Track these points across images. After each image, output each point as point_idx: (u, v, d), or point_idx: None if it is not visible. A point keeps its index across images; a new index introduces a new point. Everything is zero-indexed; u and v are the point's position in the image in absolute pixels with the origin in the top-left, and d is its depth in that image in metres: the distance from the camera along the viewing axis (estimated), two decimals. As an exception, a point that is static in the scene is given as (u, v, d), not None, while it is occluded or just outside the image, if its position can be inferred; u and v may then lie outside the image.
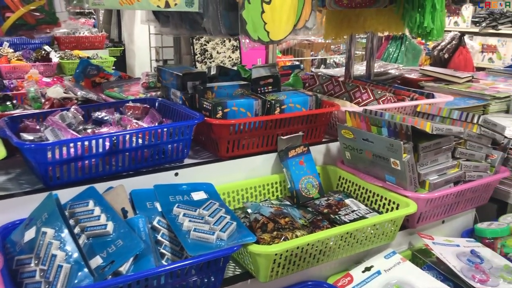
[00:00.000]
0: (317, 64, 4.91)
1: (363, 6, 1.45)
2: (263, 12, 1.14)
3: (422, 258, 1.28)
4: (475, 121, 1.41)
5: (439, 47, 5.63)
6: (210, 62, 4.16)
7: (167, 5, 1.03)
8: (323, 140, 1.49)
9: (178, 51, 4.04)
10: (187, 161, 1.27)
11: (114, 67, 2.88)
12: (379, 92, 1.54)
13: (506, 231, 1.35)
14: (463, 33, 5.57)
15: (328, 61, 5.01)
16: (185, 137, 1.21)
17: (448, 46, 5.59)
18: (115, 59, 3.73)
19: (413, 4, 1.39)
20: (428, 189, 1.28)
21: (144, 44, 4.41)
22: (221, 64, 4.32)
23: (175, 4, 1.04)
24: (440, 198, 1.28)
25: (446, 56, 5.57)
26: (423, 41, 1.52)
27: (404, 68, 2.46)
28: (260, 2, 1.12)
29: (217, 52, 4.17)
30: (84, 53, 3.60)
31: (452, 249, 1.27)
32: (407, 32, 3.75)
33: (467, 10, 7.65)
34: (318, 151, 1.47)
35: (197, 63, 4.11)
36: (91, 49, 3.91)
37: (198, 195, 1.11)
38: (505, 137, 1.49)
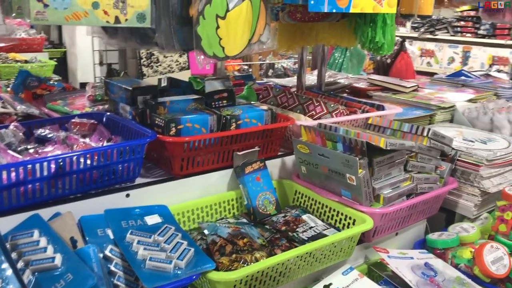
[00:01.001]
0: (265, 69, 4.92)
1: (316, 20, 1.45)
2: (218, 27, 1.10)
3: (378, 272, 1.29)
4: (425, 134, 1.44)
5: (382, 52, 5.82)
6: (157, 66, 4.06)
7: (117, 20, 0.97)
8: (279, 153, 1.48)
9: (123, 55, 3.89)
10: (138, 180, 1.21)
11: (56, 77, 2.71)
12: (332, 105, 1.54)
13: (456, 242, 1.39)
14: (404, 38, 5.78)
15: (276, 66, 5.03)
16: (137, 156, 1.16)
17: (390, 51, 5.78)
18: (56, 63, 3.55)
19: (365, 19, 1.40)
20: (383, 203, 1.30)
21: (87, 47, 4.23)
22: (169, 68, 4.24)
23: (126, 20, 0.98)
24: (395, 212, 1.30)
25: (388, 61, 5.75)
26: (381, 52, 1.55)
27: (352, 77, 2.50)
28: (215, 18, 1.09)
29: (164, 56, 4.07)
30: (21, 56, 3.40)
31: (407, 262, 1.29)
32: (359, 46, 3.83)
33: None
34: (273, 165, 1.46)
35: (143, 67, 4.00)
36: (29, 51, 3.70)
37: (152, 219, 1.06)
38: (453, 148, 1.54)
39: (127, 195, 1.15)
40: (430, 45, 7.82)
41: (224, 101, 1.38)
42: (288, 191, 1.44)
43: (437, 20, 7.54)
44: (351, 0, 1.26)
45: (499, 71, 3.76)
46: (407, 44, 5.99)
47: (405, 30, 7.98)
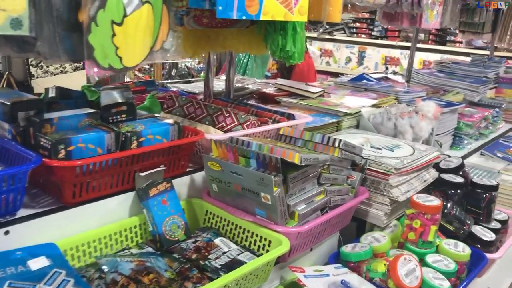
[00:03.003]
0: (168, 68, 4.74)
1: (224, 26, 1.35)
2: (114, 35, 0.96)
3: (296, 294, 1.24)
4: (336, 144, 1.41)
5: (284, 52, 5.89)
6: (47, 66, 3.71)
7: (-16, 26, 0.79)
8: (187, 170, 1.36)
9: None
10: (21, 212, 1.03)
11: None
12: (243, 116, 1.45)
13: (369, 253, 1.37)
14: (305, 40, 5.92)
15: (179, 65, 4.86)
16: (17, 186, 0.97)
17: (292, 51, 5.88)
18: None
19: (275, 26, 1.33)
20: (297, 220, 1.24)
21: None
22: (61, 69, 3.89)
23: (-4, 25, 0.80)
24: (310, 230, 1.25)
25: (291, 61, 5.87)
26: (285, 63, 1.49)
27: (260, 82, 2.44)
28: (110, 24, 0.94)
29: (56, 55, 3.72)
30: None
31: (323, 280, 1.24)
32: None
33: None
34: (182, 184, 1.34)
35: (31, 67, 3.62)
36: None
37: (37, 263, 0.89)
38: (363, 157, 1.53)
39: (6, 233, 0.97)
40: (328, 45, 8.12)
41: (123, 115, 1.23)
42: (199, 211, 1.33)
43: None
44: (261, 7, 1.18)
45: (394, 73, 3.95)
46: (307, 44, 6.16)
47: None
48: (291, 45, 1.34)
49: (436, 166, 1.78)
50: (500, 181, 2.14)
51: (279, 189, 1.16)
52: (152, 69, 4.58)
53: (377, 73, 3.83)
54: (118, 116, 1.21)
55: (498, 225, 1.67)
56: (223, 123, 1.45)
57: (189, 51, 1.55)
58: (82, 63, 3.94)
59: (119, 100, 1.25)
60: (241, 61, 5.02)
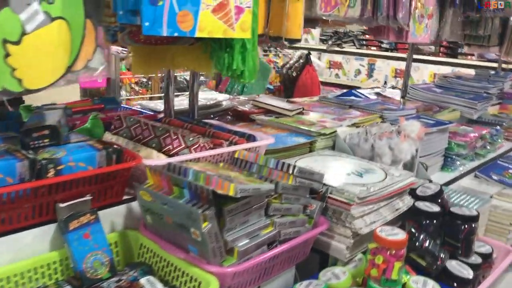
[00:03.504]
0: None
1: (165, 43, 1.25)
2: (7, 55, 0.86)
3: None
4: (290, 171, 1.29)
5: (287, 66, 5.80)
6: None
7: None
8: (124, 198, 1.26)
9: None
10: None
11: None
12: (191, 138, 1.35)
13: (323, 293, 1.24)
14: (309, 51, 5.80)
15: (179, 78, 4.78)
16: None
17: (296, 64, 5.78)
18: None
19: (221, 43, 1.22)
20: (237, 257, 1.12)
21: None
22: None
23: None
24: (252, 267, 1.13)
25: (294, 74, 5.75)
26: (242, 80, 1.38)
27: (237, 99, 2.33)
28: (1, 44, 0.85)
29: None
30: None
31: (265, 325, 1.12)
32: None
33: (316, 29, 8.11)
34: (117, 214, 1.23)
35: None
36: None
37: None
38: (324, 184, 1.40)
39: None
40: (338, 58, 8.02)
41: (46, 140, 1.13)
42: (134, 244, 1.22)
43: (344, 33, 7.73)
44: (196, 22, 1.08)
45: (393, 87, 3.80)
46: (312, 57, 6.05)
47: (313, 43, 8.12)
48: (238, 63, 1.22)
49: (413, 193, 1.64)
50: (492, 207, 1.98)
51: (210, 224, 1.04)
52: (149, 83, 4.52)
53: (373, 88, 3.70)
54: (40, 141, 1.12)
55: (479, 260, 1.51)
56: (170, 146, 1.35)
57: (140, 69, 1.46)
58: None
59: (48, 123, 1.16)
60: (241, 74, 4.92)
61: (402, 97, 3.08)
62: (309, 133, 1.86)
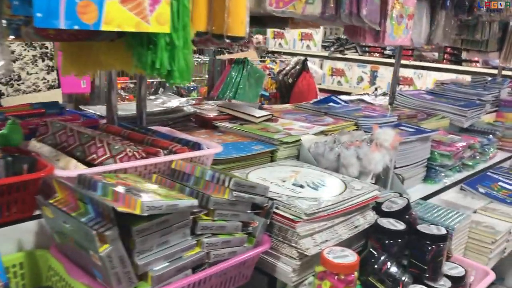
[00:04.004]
0: (156, 86, 4.55)
1: (80, 39, 1.12)
2: None
3: None
4: (226, 184, 1.15)
5: (283, 72, 5.66)
6: (19, 85, 3.57)
7: None
8: (36, 213, 1.12)
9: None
10: None
11: None
12: (116, 147, 1.21)
13: (257, 324, 1.09)
14: (306, 58, 5.66)
15: (167, 84, 4.66)
16: None
17: (292, 71, 5.64)
18: None
19: (141, 39, 1.09)
20: (151, 283, 0.97)
21: None
22: (34, 87, 3.75)
23: None
24: (165, 295, 0.98)
25: (290, 80, 5.61)
26: (172, 82, 1.23)
27: (205, 104, 2.19)
28: None
29: (28, 73, 3.59)
30: None
31: None
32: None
33: (318, 35, 7.99)
34: (26, 231, 1.10)
35: (1, 85, 3.49)
36: None
37: None
38: (270, 198, 1.25)
39: None
40: (340, 64, 7.88)
41: None
42: (43, 266, 1.08)
43: (346, 39, 7.58)
44: (101, 14, 0.94)
45: (385, 94, 3.64)
46: (309, 63, 5.91)
47: (315, 50, 7.99)
48: (163, 61, 1.09)
49: (379, 208, 1.48)
50: (473, 223, 1.82)
51: (111, 247, 0.90)
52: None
53: (362, 94, 3.54)
54: None
55: (448, 284, 1.35)
56: (94, 155, 1.21)
57: (70, 69, 1.33)
58: (57, 81, 3.80)
59: None
60: (233, 80, 4.80)
61: (390, 104, 2.92)
62: (271, 141, 1.71)
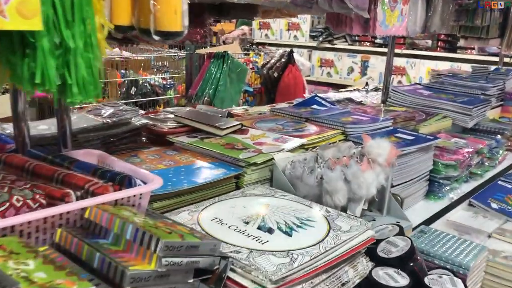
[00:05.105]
0: (127, 87, 4.16)
1: None
2: None
3: None
4: (152, 248, 0.79)
5: (268, 65, 5.29)
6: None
7: None
8: None
9: None
10: None
11: None
12: (1, 194, 0.84)
13: None
14: (291, 50, 5.30)
15: (140, 82, 4.28)
16: None
17: (277, 64, 5.27)
18: None
19: (11, 41, 0.72)
20: None
21: None
22: None
23: None
24: None
25: (275, 74, 5.24)
26: (70, 100, 0.90)
27: (161, 114, 1.82)
28: None
29: None
30: None
31: None
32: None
33: (305, 24, 7.61)
34: None
35: None
36: None
37: None
38: (222, 257, 0.90)
39: None
40: (329, 55, 7.54)
41: None
42: None
43: (336, 28, 7.21)
44: None
45: (376, 89, 3.29)
46: (296, 55, 5.54)
47: (303, 40, 7.63)
48: (46, 72, 0.72)
49: (373, 252, 1.13)
50: (490, 252, 1.47)
51: None
52: (106, 88, 4.01)
53: (351, 90, 3.20)
54: None
55: None
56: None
57: None
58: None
59: None
60: (213, 75, 4.42)
61: (383, 102, 2.57)
62: (236, 161, 1.36)
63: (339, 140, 1.63)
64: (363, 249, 1.09)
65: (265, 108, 2.09)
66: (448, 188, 1.80)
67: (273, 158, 1.37)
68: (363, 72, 7.35)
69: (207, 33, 1.44)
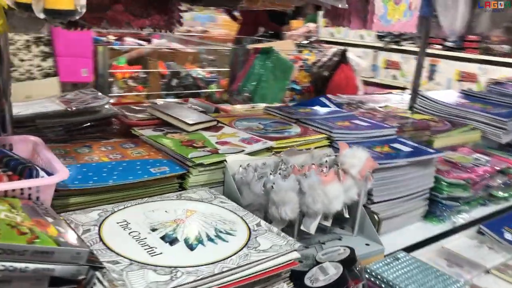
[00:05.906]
0: (168, 78, 4.17)
1: None
2: None
3: None
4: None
5: (319, 63, 5.09)
6: (11, 72, 3.33)
7: None
8: None
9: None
10: None
11: None
12: None
13: None
14: (345, 48, 5.05)
15: (181, 74, 4.27)
16: None
17: (329, 62, 5.06)
18: None
19: None
20: None
21: None
22: (28, 75, 3.51)
23: None
24: None
25: (326, 73, 5.03)
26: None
27: (140, 104, 1.74)
28: None
29: (21, 60, 3.34)
30: None
31: None
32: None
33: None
34: None
35: (-9, 72, 3.27)
36: None
37: None
38: (92, 267, 0.80)
39: None
40: (396, 57, 7.18)
41: None
42: None
43: (403, 29, 6.82)
44: None
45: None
46: (351, 54, 5.28)
47: (370, 39, 7.32)
48: None
49: (301, 280, 0.97)
50: (479, 293, 1.24)
51: None
52: (148, 79, 4.05)
53: (384, 93, 2.95)
54: None
55: None
56: None
57: None
58: (54, 68, 3.52)
59: None
60: (255, 71, 4.32)
61: (410, 108, 2.33)
62: (184, 160, 1.24)
63: (319, 146, 1.46)
64: (284, 273, 0.94)
65: (259, 107, 1.95)
66: (452, 210, 1.56)
67: (224, 161, 1.24)
68: (431, 77, 6.91)
69: (175, 20, 1.33)
